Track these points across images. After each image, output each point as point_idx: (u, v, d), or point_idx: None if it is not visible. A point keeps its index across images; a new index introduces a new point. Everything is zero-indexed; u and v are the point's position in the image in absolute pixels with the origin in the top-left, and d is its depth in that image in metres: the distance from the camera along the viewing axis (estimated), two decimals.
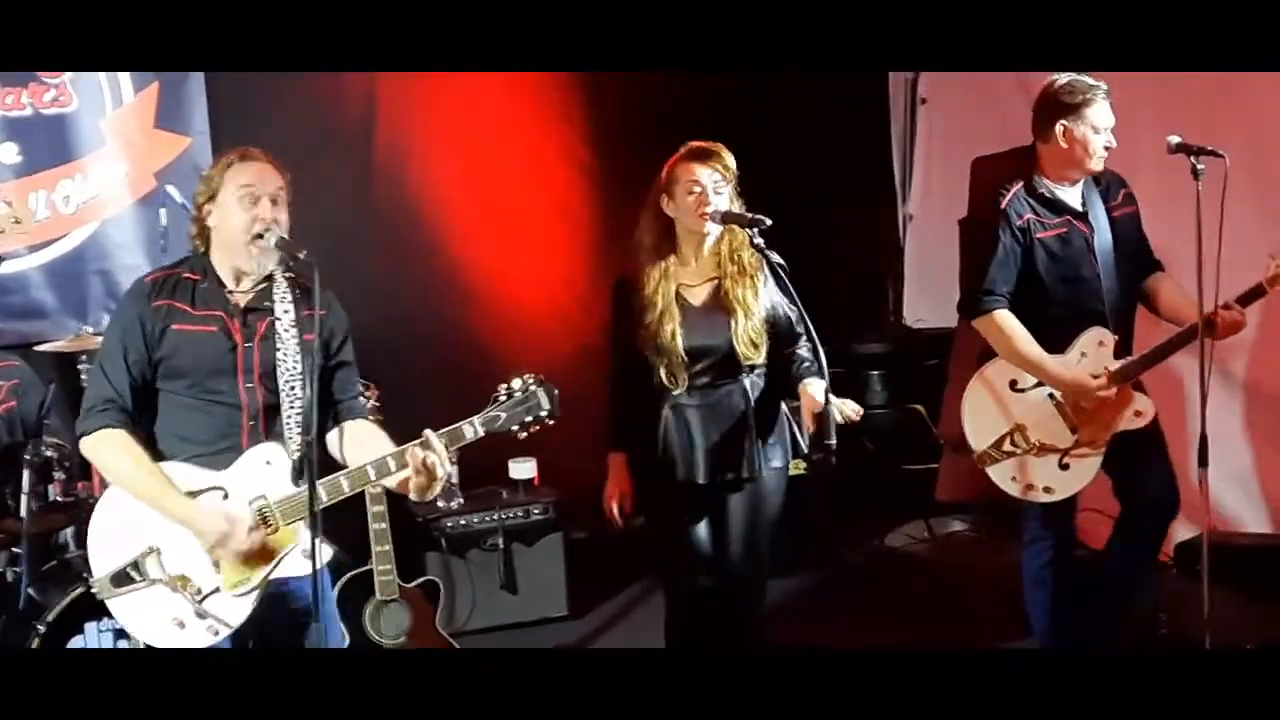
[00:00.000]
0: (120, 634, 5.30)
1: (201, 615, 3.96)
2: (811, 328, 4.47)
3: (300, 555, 3.98)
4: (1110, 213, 5.15)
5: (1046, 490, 5.11)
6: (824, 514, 7.24)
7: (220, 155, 4.15)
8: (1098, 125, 4.98)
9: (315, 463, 3.72)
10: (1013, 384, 5.12)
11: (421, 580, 5.91)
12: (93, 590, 4.06)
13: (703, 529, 4.87)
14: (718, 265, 4.82)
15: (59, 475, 5.64)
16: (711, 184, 4.71)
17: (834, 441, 4.40)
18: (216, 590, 3.98)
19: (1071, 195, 5.11)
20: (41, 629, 5.21)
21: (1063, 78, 5.04)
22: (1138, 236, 5.23)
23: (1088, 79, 5.01)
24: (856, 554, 7.61)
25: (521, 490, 6.91)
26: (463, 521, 6.67)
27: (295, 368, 4.00)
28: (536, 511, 6.77)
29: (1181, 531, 6.57)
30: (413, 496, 3.97)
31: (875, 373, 8.09)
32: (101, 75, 6.63)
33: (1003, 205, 5.06)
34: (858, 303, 8.69)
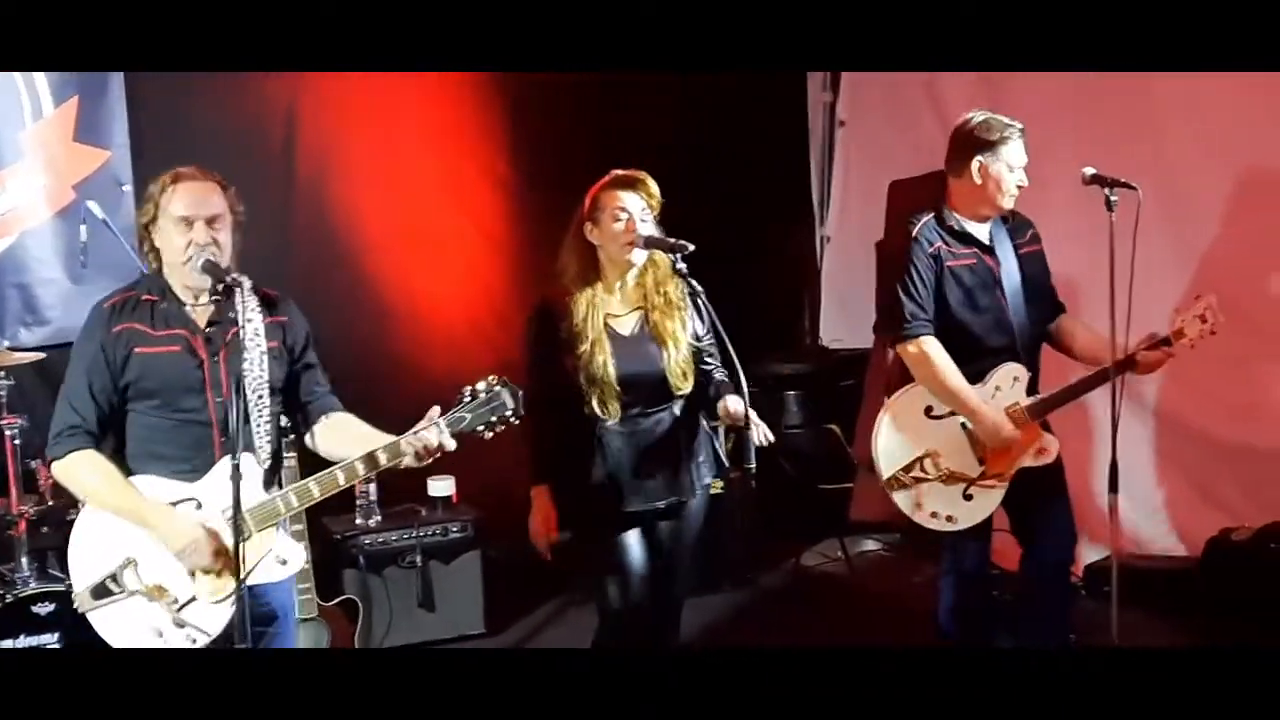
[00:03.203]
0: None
1: (180, 624, 4.02)
2: (731, 350, 4.50)
3: (273, 561, 4.04)
4: (1017, 250, 5.21)
5: (949, 519, 5.16)
6: (742, 532, 7.28)
7: (158, 176, 4.16)
8: (1012, 164, 5.05)
9: (240, 475, 3.77)
10: (928, 410, 5.17)
11: (340, 599, 5.91)
12: (74, 604, 4.09)
13: (636, 551, 4.86)
14: (643, 296, 4.84)
15: None
16: (638, 211, 4.73)
17: (754, 464, 4.47)
18: (193, 599, 4.01)
19: (980, 231, 5.17)
20: None
21: (979, 115, 5.11)
22: (1044, 275, 5.31)
23: (1004, 118, 5.09)
24: (773, 573, 7.66)
25: (440, 508, 6.91)
26: (380, 539, 6.66)
27: (261, 376, 4.05)
28: (455, 529, 6.78)
29: (1090, 554, 6.70)
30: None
31: (792, 392, 8.14)
32: (21, 86, 6.57)
33: (913, 233, 5.12)
34: (775, 322, 8.78)
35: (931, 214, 5.17)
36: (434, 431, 3.97)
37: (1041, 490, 5.22)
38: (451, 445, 4.00)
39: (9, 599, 5.28)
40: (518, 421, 4.07)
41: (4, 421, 5.58)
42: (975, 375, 5.12)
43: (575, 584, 6.76)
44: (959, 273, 5.10)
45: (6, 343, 6.06)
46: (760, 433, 4.60)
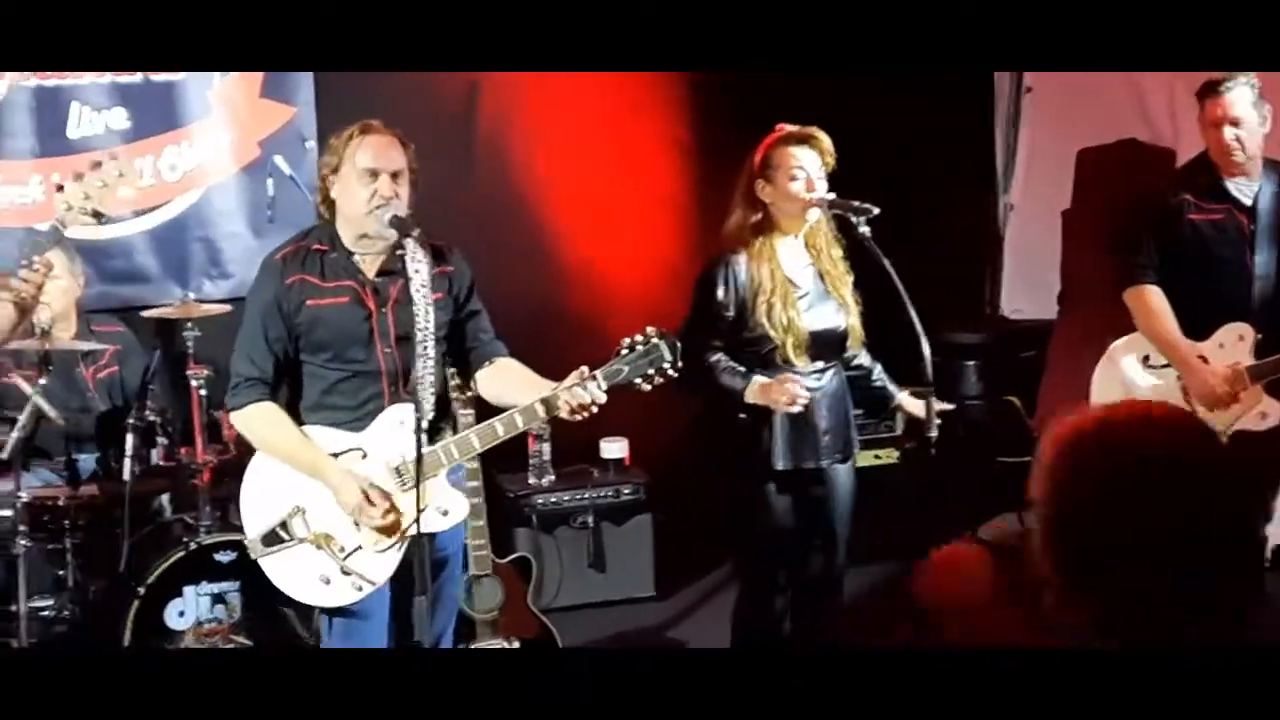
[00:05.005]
0: (217, 599, 5.40)
1: (346, 572, 4.09)
2: (915, 317, 4.42)
3: (435, 512, 4.08)
4: None
5: None
6: (916, 502, 7.19)
7: (344, 127, 4.19)
8: (1229, 117, 4.91)
9: (422, 425, 3.90)
10: (1145, 359, 5.08)
11: (514, 556, 5.95)
12: (246, 549, 4.18)
13: (794, 513, 4.80)
14: (817, 254, 4.78)
15: (161, 440, 5.75)
16: (814, 169, 4.65)
17: (934, 433, 4.40)
18: (359, 548, 4.07)
19: (1240, 186, 5.02)
20: (141, 591, 5.31)
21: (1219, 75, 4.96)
22: None
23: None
24: (946, 545, 7.55)
25: (612, 470, 6.92)
26: (553, 499, 6.69)
27: (428, 328, 4.07)
28: (627, 492, 6.79)
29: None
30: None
31: (970, 363, 8.00)
32: None
33: (1166, 185, 5.02)
34: (954, 291, 8.63)
35: (1187, 166, 5.06)
36: (589, 387, 3.96)
37: (1258, 457, 5.04)
38: (603, 399, 3.99)
39: (193, 546, 5.39)
40: (675, 374, 4.04)
41: (190, 372, 5.69)
42: (1201, 330, 4.98)
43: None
44: (1201, 227, 4.99)
45: (193, 295, 6.18)
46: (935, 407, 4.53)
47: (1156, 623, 2.06)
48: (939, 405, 4.53)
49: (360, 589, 4.10)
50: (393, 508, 4.04)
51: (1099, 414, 2.14)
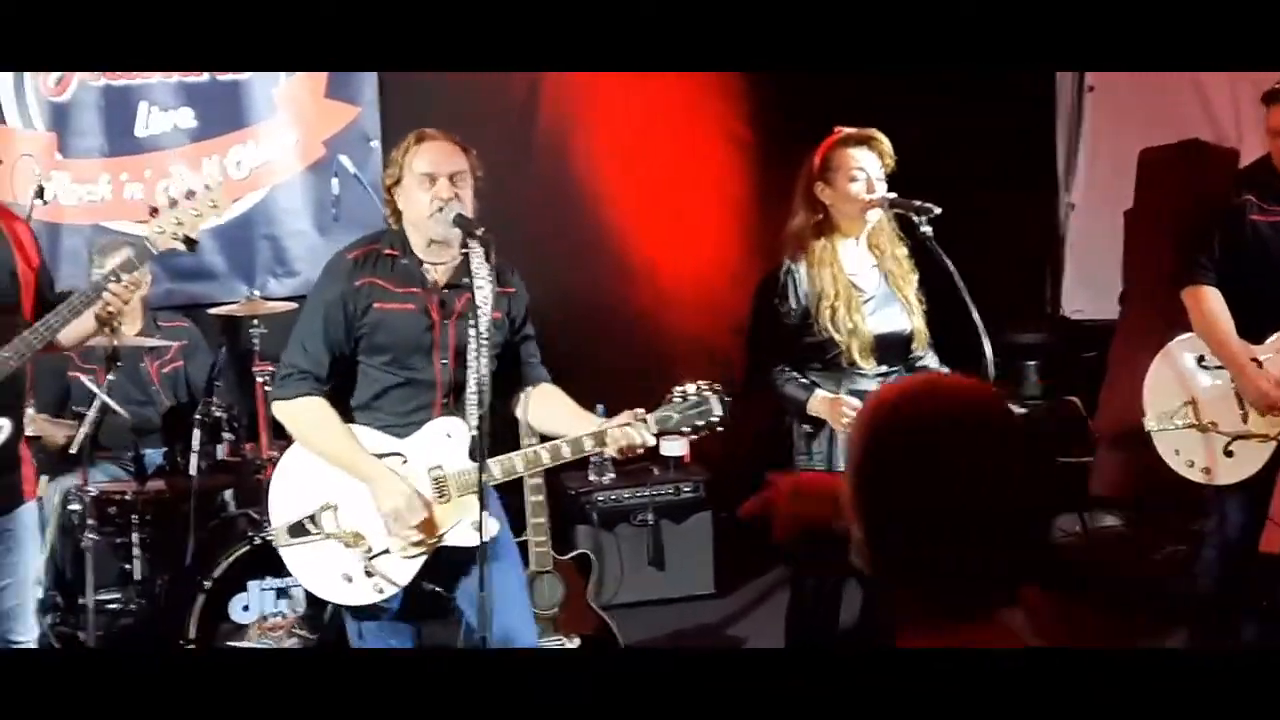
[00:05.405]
0: (281, 593, 5.45)
1: (369, 573, 4.11)
2: (977, 317, 4.40)
3: (469, 527, 4.10)
4: None
5: (1206, 471, 5.03)
6: None
7: (400, 139, 4.24)
8: None
9: (487, 436, 3.90)
10: (1200, 359, 5.07)
11: (574, 553, 5.97)
12: (269, 538, 4.23)
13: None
14: (879, 255, 4.78)
15: (227, 436, 5.81)
16: (875, 170, 4.64)
17: None
18: (386, 551, 4.10)
19: None
20: (207, 585, 5.37)
21: None
22: None
23: None
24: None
25: (672, 468, 6.93)
26: (614, 497, 6.72)
27: (484, 344, 4.09)
28: (687, 489, 6.81)
29: None
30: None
31: (1031, 363, 7.97)
32: None
33: (1234, 185, 4.99)
34: (1014, 291, 8.59)
35: (1251, 166, 5.04)
36: (639, 429, 4.01)
37: None
38: (651, 441, 4.05)
39: (257, 541, 5.43)
40: (721, 430, 4.08)
41: (256, 368, 5.74)
42: (1258, 332, 4.96)
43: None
44: (1262, 228, 4.93)
45: (258, 292, 6.24)
46: None
47: (946, 590, 2.13)
48: None
49: (381, 590, 4.12)
50: (429, 519, 4.09)
51: (896, 386, 2.20)
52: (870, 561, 2.17)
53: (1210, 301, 4.95)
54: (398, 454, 4.14)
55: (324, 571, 4.16)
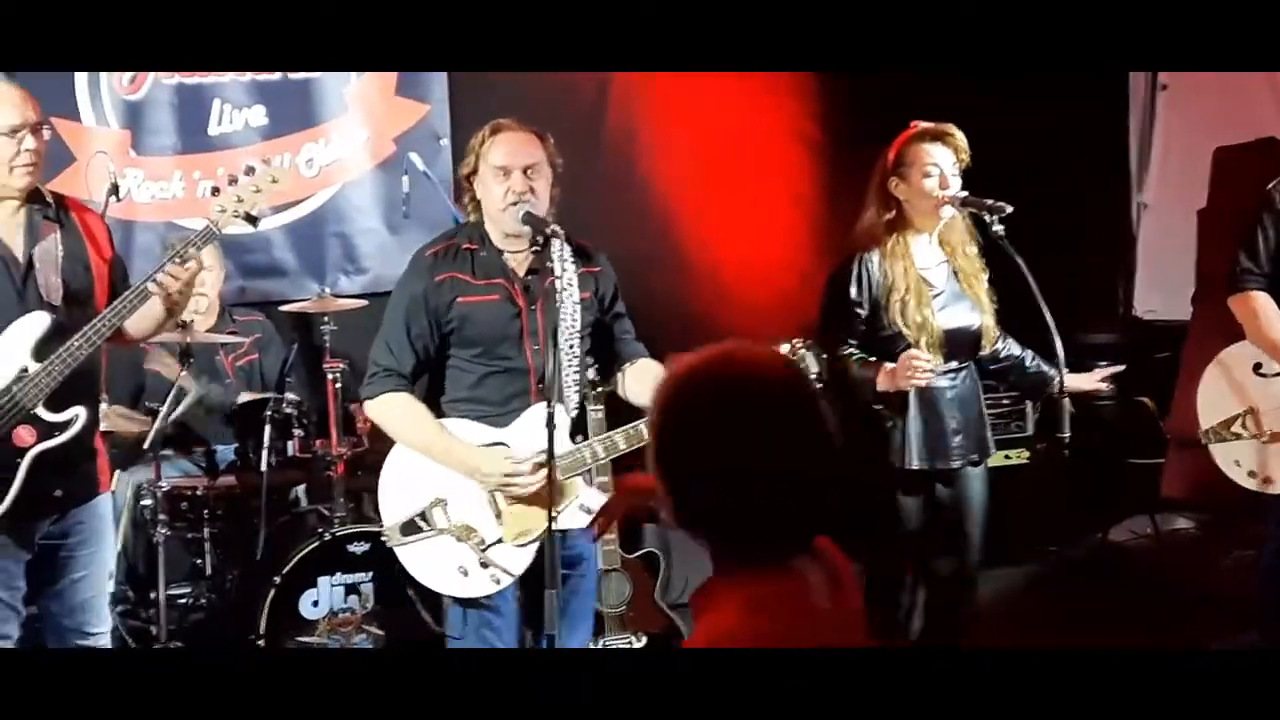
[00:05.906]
0: (350, 589, 5.48)
1: (485, 564, 4.15)
2: (1049, 316, 4.39)
3: (578, 509, 4.14)
4: None
5: (1267, 480, 4.97)
6: (1048, 503, 7.12)
7: (478, 128, 4.25)
8: None
9: (554, 424, 3.86)
10: (1257, 367, 5.00)
11: (642, 552, 5.97)
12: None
13: (923, 515, 4.78)
14: (951, 252, 4.76)
15: (298, 432, 5.83)
16: (949, 166, 4.63)
17: (1068, 433, 4.37)
18: (499, 541, 4.13)
19: None
20: (277, 581, 5.40)
21: None
22: None
23: None
24: (1076, 546, 7.47)
25: None
26: None
27: (574, 326, 4.14)
28: None
29: None
30: None
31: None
32: None
33: (1270, 187, 4.91)
34: (1086, 291, 8.51)
35: None
36: None
37: None
38: None
39: (327, 537, 5.47)
40: (820, 386, 4.05)
41: (327, 365, 5.77)
42: None
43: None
44: None
45: (329, 290, 6.26)
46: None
47: (740, 538, 2.29)
48: (1088, 385, 4.52)
49: (498, 581, 4.14)
50: (538, 466, 4.07)
51: (696, 353, 2.36)
52: (671, 513, 2.32)
53: (1262, 307, 4.88)
54: (500, 443, 4.16)
55: (440, 566, 4.20)
